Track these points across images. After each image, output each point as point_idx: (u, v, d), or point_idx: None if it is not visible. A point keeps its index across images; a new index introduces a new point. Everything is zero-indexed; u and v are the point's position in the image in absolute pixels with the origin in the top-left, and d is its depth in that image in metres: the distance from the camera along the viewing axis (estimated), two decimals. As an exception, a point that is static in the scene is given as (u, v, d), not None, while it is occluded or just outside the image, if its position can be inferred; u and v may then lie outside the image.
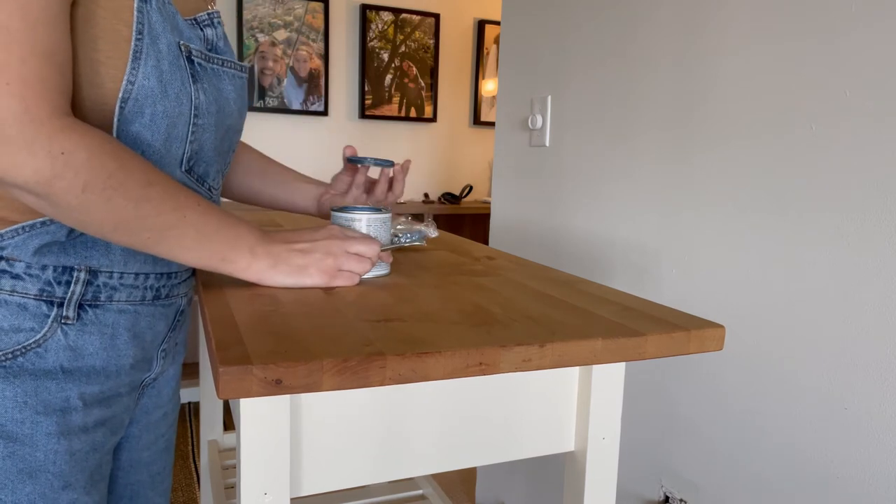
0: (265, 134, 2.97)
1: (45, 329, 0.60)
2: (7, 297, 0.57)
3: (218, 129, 0.70)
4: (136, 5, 0.59)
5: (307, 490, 0.60)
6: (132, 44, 0.58)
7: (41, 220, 0.58)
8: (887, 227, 0.89)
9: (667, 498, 1.28)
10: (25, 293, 0.58)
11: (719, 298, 1.15)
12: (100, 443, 0.67)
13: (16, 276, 0.58)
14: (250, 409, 0.55)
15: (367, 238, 0.73)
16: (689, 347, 0.66)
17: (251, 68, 2.89)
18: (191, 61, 0.65)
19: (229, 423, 2.57)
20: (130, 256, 0.66)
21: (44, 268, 0.59)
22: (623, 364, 0.69)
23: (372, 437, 0.61)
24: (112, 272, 0.64)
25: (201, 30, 0.68)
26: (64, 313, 0.61)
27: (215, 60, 0.69)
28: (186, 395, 2.88)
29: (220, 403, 1.69)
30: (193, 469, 2.28)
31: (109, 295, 0.64)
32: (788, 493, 1.04)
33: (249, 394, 0.49)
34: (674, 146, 1.24)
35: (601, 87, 1.43)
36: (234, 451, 1.70)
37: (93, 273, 0.62)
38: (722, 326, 0.68)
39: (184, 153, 0.66)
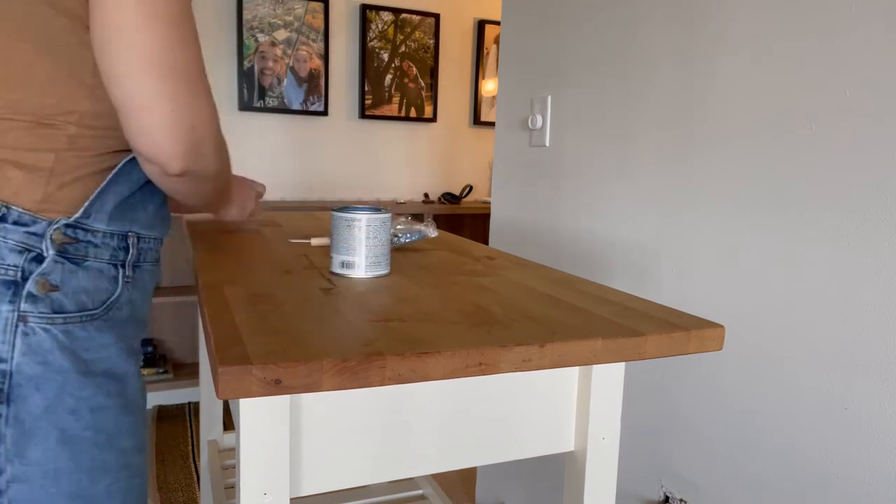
0: (265, 134, 2.97)
1: (119, 288, 0.73)
2: (91, 262, 0.70)
3: None
4: None
5: (307, 490, 0.60)
6: None
7: (103, 185, 0.71)
8: (887, 227, 0.89)
9: (667, 498, 1.28)
10: (102, 259, 0.71)
11: (719, 298, 1.15)
12: (144, 383, 0.84)
13: (96, 246, 0.71)
14: (250, 409, 0.55)
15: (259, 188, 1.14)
16: (688, 347, 0.66)
17: (252, 67, 2.89)
18: None
19: (229, 423, 2.57)
20: (157, 223, 0.79)
21: (112, 236, 0.72)
22: (623, 364, 0.69)
23: (372, 437, 0.61)
24: (147, 237, 0.78)
25: None
26: (126, 273, 0.74)
27: None
28: (186, 396, 2.89)
29: (220, 403, 1.69)
30: (193, 469, 2.28)
31: (145, 256, 0.78)
32: (788, 493, 1.04)
33: (249, 394, 0.49)
34: (674, 146, 1.24)
35: (601, 87, 1.43)
36: (234, 451, 1.70)
37: (137, 238, 0.76)
38: (722, 326, 0.68)
39: None
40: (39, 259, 0.66)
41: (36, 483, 0.66)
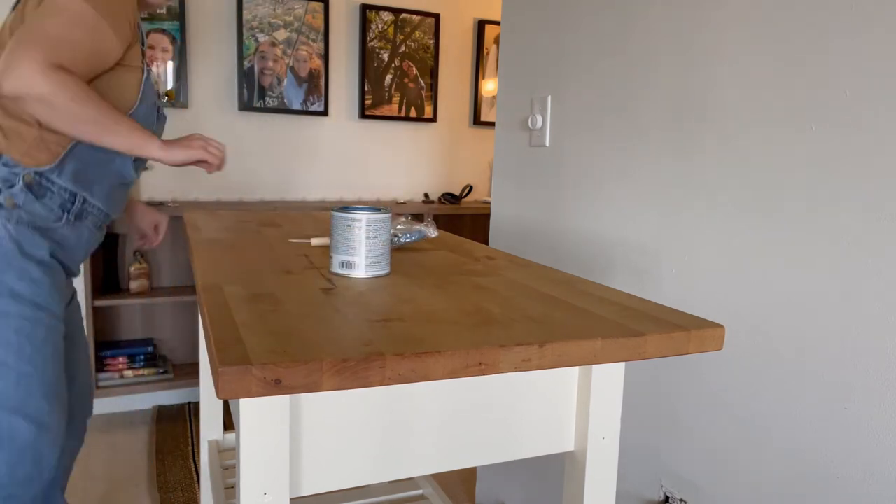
0: (265, 134, 2.97)
1: (62, 222, 1.17)
2: (47, 202, 1.14)
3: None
4: (142, 84, 1.20)
5: (307, 490, 0.60)
6: (137, 100, 1.20)
7: (63, 154, 1.14)
8: (888, 226, 0.89)
9: (667, 498, 1.28)
10: (54, 201, 1.15)
11: (719, 298, 1.15)
12: (70, 313, 1.35)
13: (53, 193, 1.14)
14: (250, 409, 0.55)
15: (215, 144, 1.23)
16: (688, 347, 0.66)
17: (252, 67, 2.89)
18: (158, 112, 1.30)
19: (229, 423, 2.57)
20: (106, 200, 1.24)
21: (65, 191, 1.16)
22: (623, 364, 0.69)
23: (372, 437, 0.61)
24: (93, 204, 1.22)
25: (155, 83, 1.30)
26: (69, 217, 1.18)
27: (162, 116, 1.34)
28: (186, 396, 2.89)
29: (220, 403, 1.69)
30: (193, 469, 2.28)
31: (87, 215, 1.22)
32: (788, 493, 1.04)
33: (249, 394, 0.49)
34: (674, 146, 1.24)
35: (601, 87, 1.43)
36: (234, 451, 1.70)
37: (84, 201, 1.20)
38: (721, 326, 0.68)
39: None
40: (12, 186, 1.10)
41: None
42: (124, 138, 1.10)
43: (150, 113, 1.24)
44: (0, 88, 0.99)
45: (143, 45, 1.23)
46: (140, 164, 1.31)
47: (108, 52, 1.10)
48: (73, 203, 1.17)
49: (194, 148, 1.19)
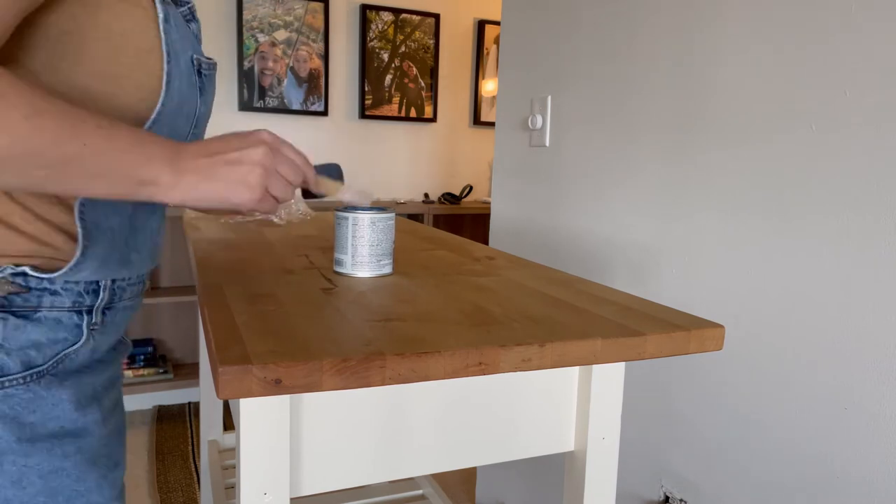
0: (265, 134, 2.97)
1: (84, 338, 0.63)
2: (46, 313, 0.59)
3: (203, 129, 0.73)
4: (161, 26, 0.59)
5: (307, 490, 0.60)
6: (164, 67, 0.60)
7: (78, 257, 0.60)
8: (887, 226, 0.89)
9: (667, 498, 1.28)
10: (61, 307, 0.60)
11: (719, 298, 1.15)
12: (119, 423, 0.73)
13: (54, 293, 0.60)
14: (250, 409, 0.55)
15: (292, 148, 0.64)
16: (688, 347, 0.66)
17: (252, 67, 2.89)
18: (199, 74, 0.67)
19: (229, 423, 2.57)
20: (137, 261, 0.68)
21: (76, 283, 0.61)
22: (623, 364, 0.69)
23: (372, 437, 0.61)
24: (125, 279, 0.67)
25: (187, 24, 0.68)
26: (93, 320, 0.64)
27: (213, 67, 0.71)
28: (186, 396, 2.89)
29: (220, 403, 1.69)
30: (193, 469, 2.28)
31: (121, 295, 0.68)
32: (788, 493, 1.04)
33: (249, 394, 0.49)
34: (674, 146, 1.24)
35: (601, 87, 1.43)
36: (234, 451, 1.70)
37: (112, 280, 0.65)
38: (721, 326, 0.68)
39: None
40: None
41: None
42: (102, 173, 0.52)
43: (190, 90, 0.66)
44: None
45: None
46: None
47: None
48: (94, 293, 0.63)
49: (244, 193, 0.58)
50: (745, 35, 1.09)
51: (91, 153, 0.51)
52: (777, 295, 1.05)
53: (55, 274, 0.59)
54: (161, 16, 0.59)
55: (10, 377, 0.57)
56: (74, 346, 0.62)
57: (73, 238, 0.60)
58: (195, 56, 0.66)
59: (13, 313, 0.57)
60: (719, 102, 1.14)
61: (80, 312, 0.62)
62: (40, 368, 0.60)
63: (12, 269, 0.57)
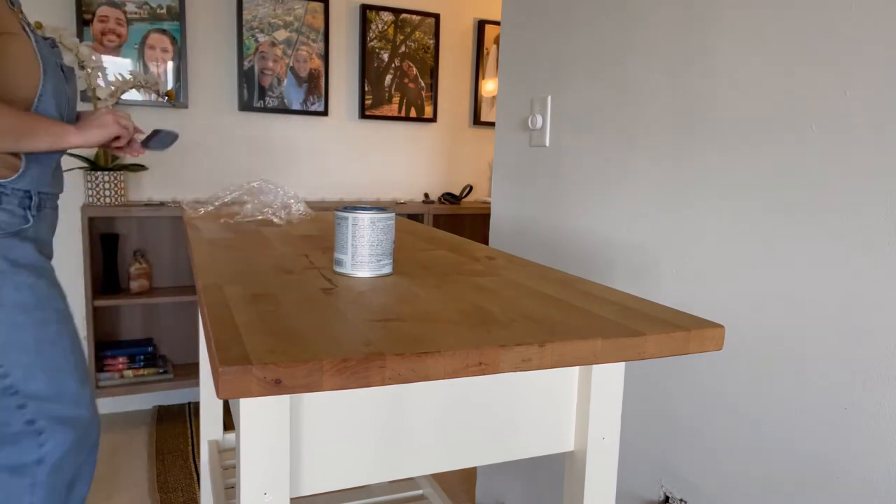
0: (265, 134, 2.97)
1: (30, 222, 1.24)
2: (6, 205, 1.20)
3: (72, 105, 1.35)
4: (35, 47, 1.19)
5: (307, 490, 0.60)
6: (41, 69, 1.20)
7: (19, 172, 1.22)
8: (887, 227, 0.89)
9: (667, 498, 1.28)
10: (13, 204, 1.21)
11: (719, 298, 1.15)
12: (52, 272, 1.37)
13: (8, 195, 1.20)
14: (250, 409, 0.55)
15: (123, 115, 1.34)
16: (688, 347, 0.66)
17: (252, 67, 2.89)
18: (62, 70, 1.28)
19: (229, 423, 2.57)
20: (52, 182, 1.30)
21: (18, 191, 1.22)
22: (623, 364, 0.69)
23: (372, 436, 0.61)
24: (46, 192, 1.29)
25: (53, 46, 1.28)
26: (32, 213, 1.25)
27: (72, 70, 1.35)
28: (186, 396, 2.89)
29: (220, 403, 1.69)
30: (193, 469, 2.28)
31: (45, 203, 1.29)
32: (788, 493, 1.04)
33: (249, 394, 0.49)
34: (674, 146, 1.24)
35: (601, 87, 1.43)
36: (234, 451, 1.70)
37: (38, 194, 1.27)
38: (721, 326, 0.68)
39: (62, 117, 1.29)
40: None
41: (6, 333, 1.17)
42: (41, 140, 1.17)
43: (59, 81, 1.25)
44: None
45: (12, 4, 1.20)
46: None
47: None
48: (29, 199, 1.23)
49: (108, 125, 1.27)
50: (745, 35, 1.09)
51: (39, 129, 1.17)
52: (777, 295, 1.05)
53: (9, 179, 1.20)
54: (33, 39, 1.19)
55: (9, 223, 1.20)
56: (26, 225, 1.24)
57: (20, 164, 1.22)
58: (58, 61, 1.28)
59: None
60: (719, 102, 1.14)
61: (24, 208, 1.23)
62: (10, 231, 1.20)
63: None
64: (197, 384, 2.78)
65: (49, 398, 1.24)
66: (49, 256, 1.32)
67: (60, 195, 1.42)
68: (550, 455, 1.65)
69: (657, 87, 1.27)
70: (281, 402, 0.55)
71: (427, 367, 0.54)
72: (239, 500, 0.56)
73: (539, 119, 1.62)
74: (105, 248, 2.64)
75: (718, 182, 1.15)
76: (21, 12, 1.24)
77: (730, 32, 1.12)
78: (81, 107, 2.52)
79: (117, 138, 1.36)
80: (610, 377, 0.69)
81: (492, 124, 3.49)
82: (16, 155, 1.20)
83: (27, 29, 1.18)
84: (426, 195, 3.29)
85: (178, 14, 2.72)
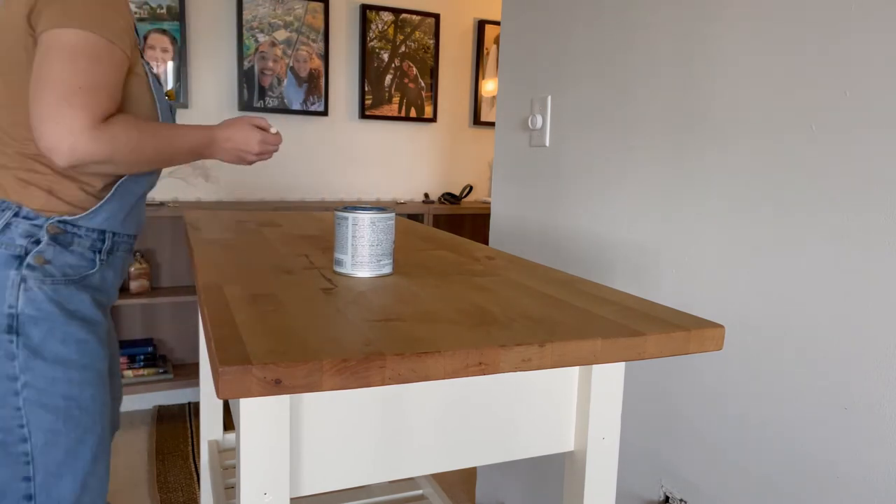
0: (265, 134, 2.97)
1: (97, 266, 1.09)
2: (76, 248, 1.05)
3: None
4: (151, 86, 1.10)
5: (307, 490, 0.60)
6: (157, 111, 1.12)
7: (101, 203, 1.07)
8: (887, 227, 0.89)
9: (667, 498, 1.28)
10: (84, 246, 1.07)
11: (719, 298, 1.15)
12: (110, 326, 1.21)
13: (80, 237, 1.06)
14: (250, 409, 0.55)
15: (270, 138, 1.23)
16: (688, 347, 0.66)
17: (252, 67, 2.89)
18: (171, 110, 1.19)
19: (229, 423, 2.57)
20: (129, 224, 1.15)
21: (93, 232, 1.08)
22: (623, 364, 0.69)
23: (372, 436, 0.61)
24: (120, 234, 1.13)
25: (158, 83, 1.17)
26: (102, 257, 1.10)
27: (172, 103, 1.25)
28: (186, 396, 2.89)
29: (220, 403, 1.69)
30: (193, 469, 2.28)
31: (117, 247, 1.14)
32: (788, 493, 1.04)
33: (249, 394, 0.49)
34: (674, 146, 1.24)
35: (601, 87, 1.43)
36: (234, 451, 1.70)
37: (114, 235, 1.11)
38: (721, 326, 0.68)
39: None
40: (38, 242, 1.02)
41: (40, 387, 1.01)
42: (186, 152, 1.09)
43: (167, 109, 1.18)
44: (53, 162, 0.93)
45: (140, 44, 1.13)
46: None
47: (125, 70, 1.02)
48: (102, 242, 1.09)
49: (249, 152, 1.19)
50: (745, 35, 1.09)
51: (182, 145, 1.09)
52: (777, 294, 1.05)
53: (82, 214, 1.05)
54: (150, 79, 1.10)
55: (56, 279, 1.03)
56: (92, 271, 1.08)
57: (97, 194, 1.08)
58: (166, 98, 1.18)
59: (58, 243, 1.03)
60: (719, 102, 1.14)
61: (94, 251, 1.09)
62: (73, 278, 1.05)
63: (58, 216, 1.03)
64: (197, 384, 2.78)
65: (53, 470, 1.04)
66: (108, 305, 1.16)
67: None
68: (550, 455, 1.65)
69: (657, 87, 1.27)
70: (281, 402, 0.55)
71: (427, 367, 0.54)
72: (239, 500, 0.56)
73: (539, 119, 1.62)
74: (105, 248, 2.64)
75: (718, 182, 1.15)
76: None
77: (730, 32, 1.12)
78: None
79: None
80: (610, 377, 0.69)
81: (492, 124, 3.49)
82: (93, 183, 1.06)
83: (146, 67, 1.11)
84: (426, 195, 3.29)
85: (178, 14, 2.72)
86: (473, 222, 3.53)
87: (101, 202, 1.07)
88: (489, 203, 3.29)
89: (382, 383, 0.53)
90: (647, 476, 1.34)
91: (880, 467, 0.91)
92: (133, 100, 1.06)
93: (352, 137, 3.17)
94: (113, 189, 1.08)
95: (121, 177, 1.09)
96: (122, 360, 2.67)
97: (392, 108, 3.21)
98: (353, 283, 0.79)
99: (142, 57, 1.12)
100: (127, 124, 0.97)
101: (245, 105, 2.89)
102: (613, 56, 1.39)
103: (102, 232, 1.08)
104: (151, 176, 1.17)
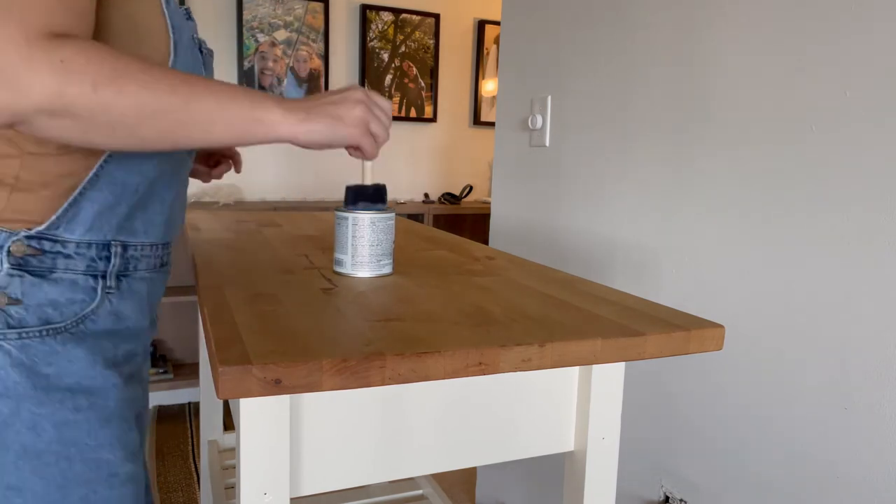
0: (265, 134, 2.97)
1: (97, 299, 0.69)
2: (61, 275, 0.66)
3: None
4: (165, 12, 0.67)
5: (307, 490, 0.60)
6: (171, 44, 0.67)
7: (78, 191, 0.65)
8: (887, 227, 0.89)
9: (667, 498, 1.28)
10: (76, 270, 0.67)
11: (719, 298, 1.15)
12: (139, 393, 0.77)
13: (68, 256, 0.66)
14: (250, 409, 0.55)
15: (383, 98, 0.75)
16: (688, 347, 0.66)
17: (252, 67, 2.89)
18: (201, 51, 0.76)
19: (229, 423, 2.57)
20: (148, 228, 0.74)
21: (88, 246, 0.67)
22: (623, 364, 0.69)
23: (372, 436, 0.61)
24: (136, 244, 0.72)
25: (188, 18, 0.76)
26: (108, 284, 0.70)
27: (211, 53, 0.80)
28: (186, 396, 2.88)
29: (220, 403, 1.69)
30: (193, 469, 2.28)
31: (135, 265, 0.73)
32: (788, 493, 1.04)
33: (249, 394, 0.49)
34: (674, 146, 1.24)
35: (601, 87, 1.43)
36: (234, 451, 1.70)
37: (124, 247, 0.71)
38: (721, 326, 0.68)
39: None
40: None
41: (0, 495, 0.65)
42: (221, 112, 0.60)
43: (195, 63, 0.73)
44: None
45: None
46: None
47: None
48: (107, 259, 0.69)
49: (349, 124, 0.68)
50: (745, 35, 1.09)
51: (204, 94, 0.59)
52: (777, 294, 1.05)
53: (52, 219, 0.65)
54: (163, 2, 0.67)
55: (28, 329, 0.64)
56: (91, 307, 0.68)
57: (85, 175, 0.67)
58: (195, 36, 0.74)
59: (30, 272, 0.64)
60: (719, 102, 1.14)
61: (94, 276, 0.69)
62: (58, 325, 0.66)
63: (26, 231, 0.64)
64: (197, 384, 2.78)
65: None
66: (135, 359, 0.76)
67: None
68: (550, 455, 1.65)
69: (657, 87, 1.27)
70: (281, 402, 0.55)
71: (427, 367, 0.54)
72: (239, 500, 0.56)
73: (539, 119, 1.62)
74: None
75: (719, 182, 1.15)
76: None
77: (730, 32, 1.12)
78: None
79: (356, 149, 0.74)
80: (610, 377, 0.69)
81: (492, 124, 3.49)
82: (67, 179, 0.65)
83: None
84: (426, 195, 3.29)
85: (178, 14, 2.72)
86: (473, 222, 3.53)
87: (75, 193, 0.65)
88: (489, 203, 3.29)
89: (382, 383, 0.53)
90: (647, 476, 1.34)
91: (880, 467, 0.91)
92: (129, 32, 0.65)
93: (352, 137, 3.17)
94: (92, 172, 0.66)
95: (102, 154, 0.66)
96: (122, 360, 2.67)
97: (392, 109, 3.21)
98: (353, 283, 0.79)
99: None
100: (98, 51, 0.55)
101: (245, 105, 2.89)
102: (613, 56, 1.39)
103: (105, 245, 0.69)
104: (159, 163, 0.72)
